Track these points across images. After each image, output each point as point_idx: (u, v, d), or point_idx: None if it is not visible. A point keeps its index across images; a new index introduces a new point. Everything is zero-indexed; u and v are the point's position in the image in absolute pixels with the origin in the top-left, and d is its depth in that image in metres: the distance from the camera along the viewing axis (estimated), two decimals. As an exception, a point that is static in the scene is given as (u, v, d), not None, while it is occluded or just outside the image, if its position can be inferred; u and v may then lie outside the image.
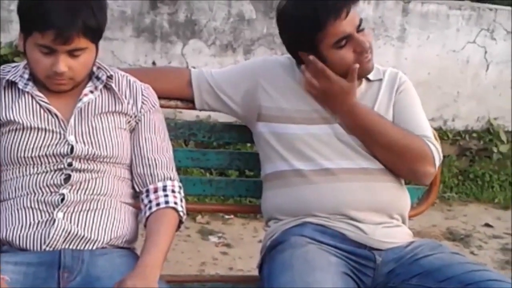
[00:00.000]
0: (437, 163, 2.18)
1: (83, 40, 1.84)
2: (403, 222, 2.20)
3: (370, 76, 2.23)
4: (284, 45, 2.23)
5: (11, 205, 1.88)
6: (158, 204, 1.96)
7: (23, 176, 1.89)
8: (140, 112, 2.03)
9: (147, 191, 2.00)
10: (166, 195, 1.98)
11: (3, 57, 4.17)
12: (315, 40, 2.08)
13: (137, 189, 2.02)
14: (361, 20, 2.11)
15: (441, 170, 5.15)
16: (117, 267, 1.84)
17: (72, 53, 1.85)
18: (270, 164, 2.21)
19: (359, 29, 2.10)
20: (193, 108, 2.31)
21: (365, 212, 2.11)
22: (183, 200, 2.02)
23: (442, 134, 5.51)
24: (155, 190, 1.99)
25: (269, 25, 4.90)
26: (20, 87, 1.93)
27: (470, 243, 4.46)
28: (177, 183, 2.03)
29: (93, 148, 1.92)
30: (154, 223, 1.94)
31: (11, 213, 1.87)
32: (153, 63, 4.73)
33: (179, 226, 2.00)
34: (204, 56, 4.83)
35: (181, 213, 1.99)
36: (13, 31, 4.19)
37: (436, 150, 2.18)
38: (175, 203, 1.98)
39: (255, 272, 2.22)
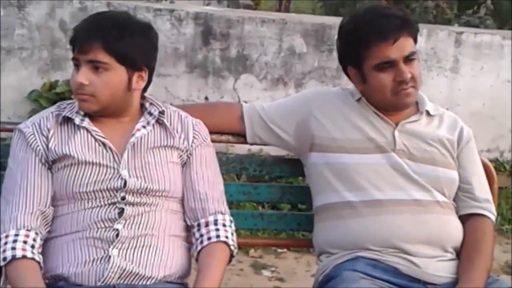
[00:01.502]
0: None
1: (103, 54, 1.91)
2: (458, 256, 2.16)
3: (430, 111, 2.24)
4: (338, 60, 2.29)
5: (67, 241, 1.92)
6: (209, 238, 1.98)
7: (78, 211, 1.93)
8: (192, 146, 2.06)
9: (199, 225, 2.01)
10: (217, 229, 1.99)
11: (60, 95, 4.28)
12: (360, 57, 2.13)
13: (189, 223, 2.04)
14: (412, 52, 2.13)
15: (499, 202, 5.08)
16: (170, 302, 1.86)
17: (94, 66, 1.91)
18: (321, 195, 2.21)
19: (407, 59, 2.11)
20: (245, 142, 2.33)
21: (417, 245, 2.08)
22: (234, 234, 2.03)
23: (498, 165, 5.40)
24: (206, 224, 2.00)
25: (320, 59, 4.92)
26: (77, 122, 1.98)
27: (529, 277, 4.33)
28: (228, 217, 2.04)
29: (145, 182, 1.95)
30: (206, 257, 1.95)
31: (67, 250, 1.90)
32: (206, 98, 4.78)
33: (230, 260, 2.00)
34: (256, 91, 4.87)
35: (232, 247, 1.99)
36: (70, 69, 4.29)
37: (494, 216, 2.22)
38: (226, 237, 1.99)
39: (308, 307, 2.20)
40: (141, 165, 1.97)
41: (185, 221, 2.06)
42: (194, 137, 2.07)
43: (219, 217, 2.02)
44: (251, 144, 2.34)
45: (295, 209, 4.12)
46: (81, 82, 1.92)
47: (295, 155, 2.35)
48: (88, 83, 1.92)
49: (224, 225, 2.01)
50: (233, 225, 2.05)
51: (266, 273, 4.14)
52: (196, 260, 1.99)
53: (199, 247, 1.98)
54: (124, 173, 1.95)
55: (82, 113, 2.00)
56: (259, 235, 4.08)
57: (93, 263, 1.87)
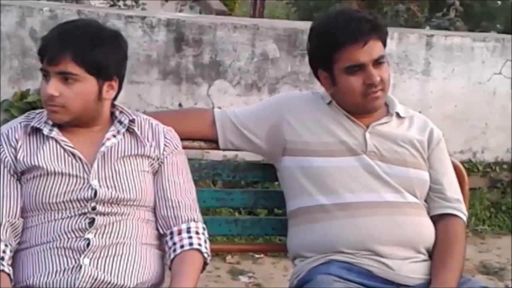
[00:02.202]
0: None
1: (73, 65, 1.89)
2: (430, 257, 2.17)
3: (400, 113, 2.26)
4: (309, 63, 2.29)
5: (37, 251, 1.89)
6: (182, 246, 1.97)
7: (48, 222, 1.91)
8: (163, 154, 2.05)
9: (171, 233, 2.00)
10: (190, 237, 1.98)
11: (32, 104, 4.24)
12: (330, 59, 2.14)
13: (161, 232, 2.03)
14: (382, 56, 2.14)
15: (472, 203, 5.12)
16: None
17: (64, 78, 1.90)
18: (294, 199, 2.21)
19: (376, 63, 2.12)
20: (217, 148, 2.33)
21: (391, 246, 2.09)
22: (207, 241, 2.03)
23: (471, 166, 5.44)
24: (179, 232, 1.99)
25: (293, 64, 4.93)
26: (45, 133, 1.96)
27: (504, 276, 4.36)
28: (201, 225, 2.03)
29: (116, 192, 1.94)
30: (179, 265, 1.94)
31: (38, 260, 1.88)
32: (180, 105, 4.77)
33: (204, 268, 2.00)
34: (230, 96, 4.86)
35: (206, 255, 1.99)
36: (40, 78, 4.26)
37: (465, 216, 2.24)
38: (199, 244, 1.98)
39: (284, 311, 2.20)
40: (111, 175, 1.96)
41: (157, 229, 2.05)
42: (165, 145, 2.06)
43: (192, 224, 2.01)
44: (224, 150, 2.33)
45: (271, 214, 4.13)
46: (51, 94, 1.90)
47: (268, 160, 2.35)
48: (58, 94, 1.90)
49: (197, 233, 2.00)
50: (206, 232, 2.04)
51: (243, 279, 4.13)
52: (170, 268, 1.98)
53: (172, 255, 1.97)
54: (94, 183, 1.93)
55: (50, 123, 1.98)
56: (236, 241, 4.07)
57: (64, 272, 1.85)
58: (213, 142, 2.32)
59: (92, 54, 1.91)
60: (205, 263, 2.00)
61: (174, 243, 1.98)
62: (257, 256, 4.44)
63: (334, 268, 2.07)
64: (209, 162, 2.43)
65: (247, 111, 2.33)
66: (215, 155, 4.38)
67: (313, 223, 2.15)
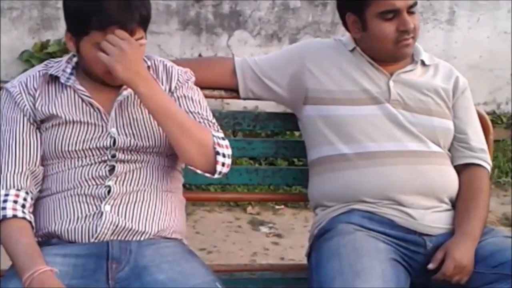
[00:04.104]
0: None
1: (140, 31, 1.86)
2: (453, 206, 2.15)
3: (426, 60, 2.22)
4: (337, 7, 2.24)
5: (58, 199, 1.90)
6: None
7: (68, 169, 1.91)
8: (175, 88, 2.00)
9: None
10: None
11: (52, 55, 4.24)
12: (363, 3, 2.09)
13: None
14: (415, 3, 2.11)
15: (496, 155, 5.07)
16: (165, 257, 1.85)
17: None
18: (316, 149, 2.19)
19: (409, 10, 2.09)
20: (238, 97, 2.30)
21: (413, 196, 2.07)
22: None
23: (495, 118, 5.39)
24: None
25: (314, 13, 4.87)
26: (62, 81, 1.94)
27: (526, 228, 4.35)
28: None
29: (135, 139, 1.92)
30: None
31: (59, 207, 1.89)
32: (200, 55, 4.74)
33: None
34: (250, 47, 4.82)
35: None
36: (61, 28, 4.25)
37: (490, 166, 2.22)
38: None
39: (306, 261, 2.20)
40: (129, 122, 1.93)
41: (179, 176, 2.04)
42: (178, 80, 2.01)
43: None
44: (244, 99, 2.31)
45: (292, 165, 4.12)
46: None
47: (289, 109, 2.32)
48: None
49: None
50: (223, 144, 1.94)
51: (264, 229, 4.15)
52: None
53: None
54: (113, 131, 1.92)
55: (68, 71, 1.96)
56: (256, 191, 4.08)
57: (86, 219, 1.86)
58: (233, 91, 2.29)
59: (148, 13, 1.87)
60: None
61: None
62: (277, 207, 4.46)
63: (356, 217, 2.06)
64: (229, 112, 2.40)
65: (268, 59, 2.30)
66: (236, 106, 4.37)
67: (334, 172, 2.13)
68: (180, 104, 1.98)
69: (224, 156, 1.91)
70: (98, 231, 1.84)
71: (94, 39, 1.83)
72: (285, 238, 4.03)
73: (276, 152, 2.43)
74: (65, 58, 2.00)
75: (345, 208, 2.10)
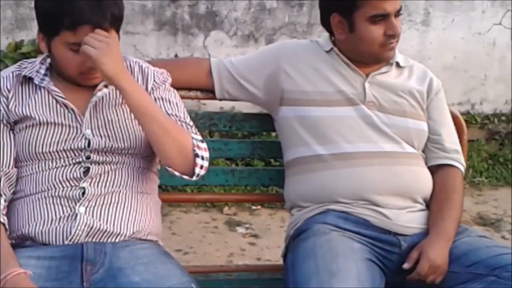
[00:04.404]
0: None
1: (112, 31, 1.85)
2: (427, 207, 2.16)
3: (400, 62, 2.24)
4: (319, 7, 2.22)
5: (32, 201, 1.88)
6: None
7: (42, 171, 1.90)
8: (152, 89, 1.98)
9: None
10: None
11: (26, 55, 4.19)
12: (353, 5, 2.07)
13: None
14: (401, 7, 2.11)
15: (470, 155, 5.12)
16: (140, 259, 1.84)
17: None
18: (291, 150, 2.19)
19: (396, 14, 2.10)
20: (214, 98, 2.30)
21: (388, 196, 2.08)
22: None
23: (469, 118, 5.44)
24: None
25: (291, 14, 4.87)
26: (36, 82, 1.93)
27: (501, 227, 4.39)
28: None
29: (110, 141, 1.91)
30: None
31: (33, 209, 1.87)
32: (176, 56, 4.72)
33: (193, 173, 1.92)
34: (226, 47, 4.81)
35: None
36: (35, 29, 4.20)
37: (463, 167, 2.23)
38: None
39: (282, 262, 2.20)
40: (104, 124, 1.92)
41: (155, 178, 2.03)
42: (154, 81, 2.00)
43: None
44: (220, 99, 2.30)
45: (268, 166, 4.12)
46: None
47: (265, 110, 2.33)
48: None
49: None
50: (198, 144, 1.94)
51: (240, 230, 4.16)
52: None
53: None
54: (87, 132, 1.90)
55: (42, 71, 1.95)
56: (233, 191, 4.08)
57: (60, 221, 1.85)
58: (209, 91, 2.29)
59: (120, 13, 1.86)
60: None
61: None
62: (254, 207, 4.46)
63: (331, 218, 2.07)
64: (206, 113, 2.39)
65: (244, 60, 2.30)
66: (212, 107, 4.37)
67: (310, 173, 2.14)
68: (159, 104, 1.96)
69: (203, 158, 1.91)
70: (73, 233, 1.83)
71: (65, 39, 1.82)
72: (262, 239, 4.03)
73: (253, 152, 2.43)
74: (39, 58, 1.99)
75: (321, 209, 2.11)
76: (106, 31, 1.82)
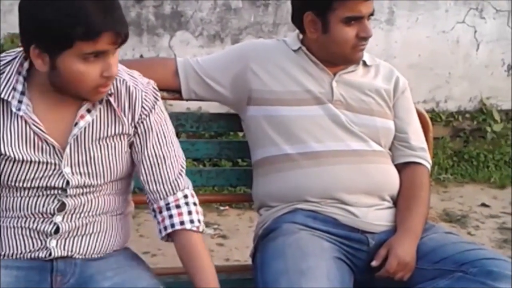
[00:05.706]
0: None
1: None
2: (395, 204, 2.18)
3: (367, 61, 2.24)
4: (292, 4, 2.20)
5: (5, 224, 1.79)
6: (165, 228, 1.84)
7: (14, 197, 1.78)
8: (139, 120, 1.82)
9: (153, 210, 1.88)
10: (170, 216, 1.84)
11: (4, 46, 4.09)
12: (329, 6, 2.07)
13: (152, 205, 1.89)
14: (373, 10, 2.12)
15: (436, 152, 5.17)
16: (110, 265, 1.82)
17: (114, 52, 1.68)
18: (259, 149, 2.19)
19: (370, 16, 2.11)
20: (180, 98, 2.27)
21: (356, 195, 2.09)
22: (194, 205, 1.87)
23: (435, 116, 5.50)
24: (160, 211, 1.86)
25: (256, 14, 4.87)
26: (13, 109, 1.70)
27: (467, 223, 4.45)
28: (181, 194, 1.86)
29: (90, 179, 1.78)
30: (181, 251, 1.87)
31: (6, 236, 1.78)
32: (141, 56, 4.69)
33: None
34: (192, 48, 4.80)
35: (193, 227, 1.84)
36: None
37: (429, 165, 2.25)
38: (182, 222, 1.83)
39: (251, 262, 2.19)
40: (85, 160, 1.77)
41: (129, 187, 1.96)
42: (142, 109, 1.82)
43: (170, 199, 1.85)
44: (187, 100, 2.28)
45: (235, 166, 4.12)
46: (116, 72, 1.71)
47: (232, 110, 2.32)
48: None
49: (177, 206, 1.85)
50: (190, 196, 1.88)
51: (209, 231, 4.13)
52: (165, 240, 1.88)
53: (163, 233, 1.86)
54: (67, 170, 1.75)
55: (19, 88, 1.70)
56: (200, 192, 4.06)
57: (30, 253, 1.78)
58: (176, 92, 2.26)
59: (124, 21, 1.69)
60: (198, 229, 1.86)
61: (158, 222, 1.87)
62: (222, 208, 4.45)
63: (300, 217, 2.07)
64: (172, 113, 2.36)
65: (211, 59, 2.28)
66: (179, 107, 4.34)
67: (278, 172, 2.13)
68: (147, 139, 1.83)
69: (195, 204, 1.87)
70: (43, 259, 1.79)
71: (81, 50, 1.60)
72: (230, 239, 4.03)
73: (220, 153, 2.42)
74: (14, 64, 1.73)
75: (289, 208, 2.11)
76: (126, 37, 1.66)
